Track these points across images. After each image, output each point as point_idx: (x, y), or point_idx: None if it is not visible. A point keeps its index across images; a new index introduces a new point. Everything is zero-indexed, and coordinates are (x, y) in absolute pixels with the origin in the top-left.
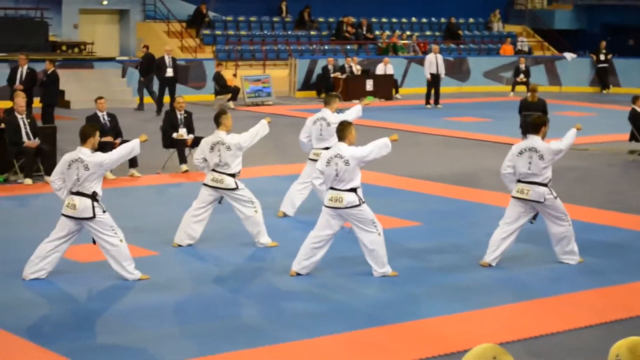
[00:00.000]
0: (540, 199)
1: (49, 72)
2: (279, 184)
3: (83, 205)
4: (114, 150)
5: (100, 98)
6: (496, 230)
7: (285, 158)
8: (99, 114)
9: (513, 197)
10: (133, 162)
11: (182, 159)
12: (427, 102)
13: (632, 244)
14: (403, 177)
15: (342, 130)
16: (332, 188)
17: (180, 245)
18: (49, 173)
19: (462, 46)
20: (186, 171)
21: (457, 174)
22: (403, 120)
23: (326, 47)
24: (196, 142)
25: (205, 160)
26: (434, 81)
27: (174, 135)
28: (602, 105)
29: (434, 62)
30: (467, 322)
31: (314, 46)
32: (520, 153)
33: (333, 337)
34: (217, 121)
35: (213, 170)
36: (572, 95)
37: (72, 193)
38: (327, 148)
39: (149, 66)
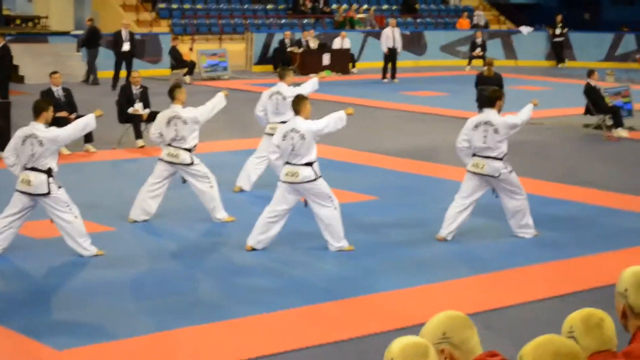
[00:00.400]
0: (495, 173)
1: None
2: (235, 159)
3: (38, 180)
4: (68, 125)
5: (55, 73)
6: (451, 204)
7: (242, 132)
8: (54, 88)
9: (468, 171)
10: (88, 137)
11: (138, 134)
12: (384, 77)
13: (587, 218)
14: (360, 151)
15: (298, 104)
16: (287, 163)
17: (135, 221)
18: (2, 149)
19: (418, 20)
20: (142, 146)
21: (414, 149)
22: (360, 95)
23: (283, 21)
24: (152, 116)
25: (162, 135)
26: (390, 55)
27: (130, 110)
28: (558, 79)
29: (391, 36)
30: (424, 296)
31: (271, 20)
32: (475, 127)
33: (290, 311)
34: (172, 95)
35: (169, 144)
36: (528, 69)
37: (27, 169)
38: (283, 122)
39: (93, 39)
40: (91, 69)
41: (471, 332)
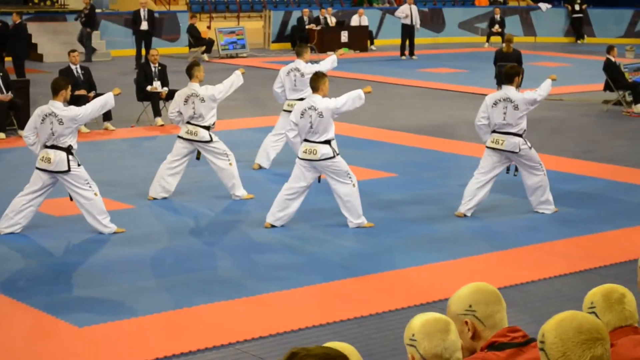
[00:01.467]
0: (515, 149)
1: (16, 23)
2: (254, 136)
3: (58, 158)
4: (87, 104)
5: (74, 51)
6: (471, 180)
7: (260, 110)
8: (72, 67)
9: (488, 147)
10: (107, 116)
11: (157, 112)
12: (402, 54)
13: (606, 194)
14: (378, 128)
15: (316, 81)
16: (306, 140)
17: (155, 199)
18: (22, 127)
19: None
20: (161, 125)
21: (432, 125)
22: (378, 72)
23: None
24: (170, 95)
25: (180, 113)
26: (408, 32)
27: (148, 88)
28: (577, 56)
29: (409, 13)
30: (443, 273)
31: None
32: (494, 104)
33: (308, 288)
34: (189, 73)
35: (187, 122)
36: (547, 46)
37: (47, 147)
38: (301, 99)
39: (92, 18)
40: (86, 47)
41: (498, 307)
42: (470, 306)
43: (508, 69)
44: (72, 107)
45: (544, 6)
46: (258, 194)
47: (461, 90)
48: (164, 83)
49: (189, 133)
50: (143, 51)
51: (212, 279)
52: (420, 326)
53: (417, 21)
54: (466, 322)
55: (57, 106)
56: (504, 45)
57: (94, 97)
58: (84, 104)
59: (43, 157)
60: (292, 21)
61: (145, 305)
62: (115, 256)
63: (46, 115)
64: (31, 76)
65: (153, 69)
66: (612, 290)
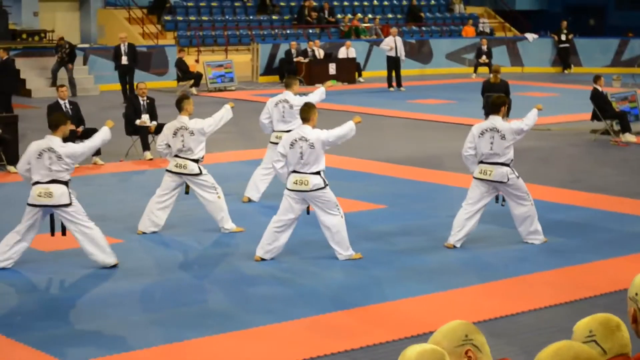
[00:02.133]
0: (504, 179)
1: (3, 59)
2: (243, 169)
3: (60, 192)
4: (86, 141)
5: (62, 86)
6: (459, 211)
7: (249, 143)
8: (61, 102)
9: (475, 178)
10: (96, 150)
11: (146, 146)
12: (390, 85)
13: (595, 223)
14: (367, 160)
15: (307, 112)
16: (295, 172)
17: (144, 233)
18: (11, 162)
19: (424, 28)
20: (150, 159)
21: (421, 157)
22: (366, 104)
23: (288, 32)
24: (159, 128)
25: (169, 146)
26: (394, 64)
27: (137, 122)
28: (564, 85)
29: (394, 45)
30: (433, 304)
31: (276, 30)
32: (481, 134)
33: (300, 321)
34: (179, 106)
35: (176, 155)
36: (534, 76)
37: (45, 182)
38: (288, 131)
39: (73, 54)
40: (72, 84)
41: (484, 338)
42: (466, 335)
43: (495, 99)
44: (70, 143)
45: (530, 36)
46: (248, 226)
47: (449, 122)
48: (153, 117)
49: (178, 166)
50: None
51: (203, 312)
52: (416, 356)
53: (402, 52)
54: (466, 352)
55: (55, 142)
56: (491, 75)
57: (83, 131)
58: (73, 139)
59: (41, 192)
60: (280, 54)
61: (137, 339)
62: (106, 291)
63: (43, 151)
64: (19, 111)
65: (142, 102)
66: (609, 318)
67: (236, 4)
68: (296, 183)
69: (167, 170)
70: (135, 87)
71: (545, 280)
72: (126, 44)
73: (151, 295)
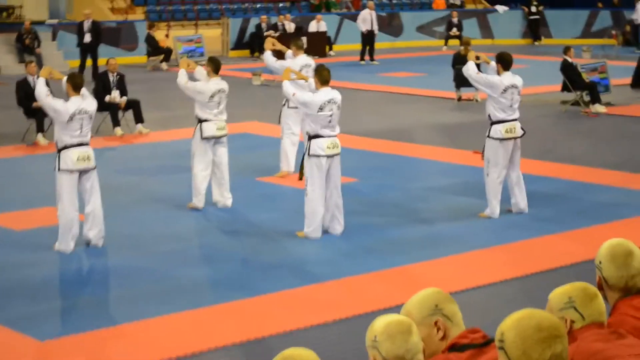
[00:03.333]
0: (521, 132)
1: None
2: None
3: (92, 154)
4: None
5: (31, 62)
6: (492, 180)
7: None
8: (29, 78)
9: (501, 139)
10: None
11: (116, 122)
12: (362, 58)
13: (567, 194)
14: (339, 134)
15: (330, 74)
16: (319, 136)
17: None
18: None
19: (394, 1)
20: (121, 135)
21: (393, 129)
22: (338, 77)
23: (258, 6)
24: (129, 104)
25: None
26: (369, 37)
27: (107, 98)
28: (534, 57)
29: (369, 18)
30: (405, 277)
31: (247, 5)
32: (504, 90)
33: (270, 295)
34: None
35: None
36: (504, 48)
37: (77, 145)
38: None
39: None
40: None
41: (457, 307)
42: (436, 305)
43: (507, 55)
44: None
45: (500, 8)
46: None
47: (420, 94)
48: (123, 93)
49: (220, 129)
50: (89, 62)
51: (174, 288)
52: (383, 328)
53: (375, 26)
54: (436, 322)
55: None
56: (462, 48)
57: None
58: (42, 116)
59: (79, 156)
60: (250, 28)
61: (111, 316)
62: (77, 268)
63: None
64: None
65: (111, 78)
66: (587, 286)
67: None
68: (329, 147)
69: (205, 138)
70: (106, 63)
71: (517, 250)
72: (90, 20)
73: (124, 272)
